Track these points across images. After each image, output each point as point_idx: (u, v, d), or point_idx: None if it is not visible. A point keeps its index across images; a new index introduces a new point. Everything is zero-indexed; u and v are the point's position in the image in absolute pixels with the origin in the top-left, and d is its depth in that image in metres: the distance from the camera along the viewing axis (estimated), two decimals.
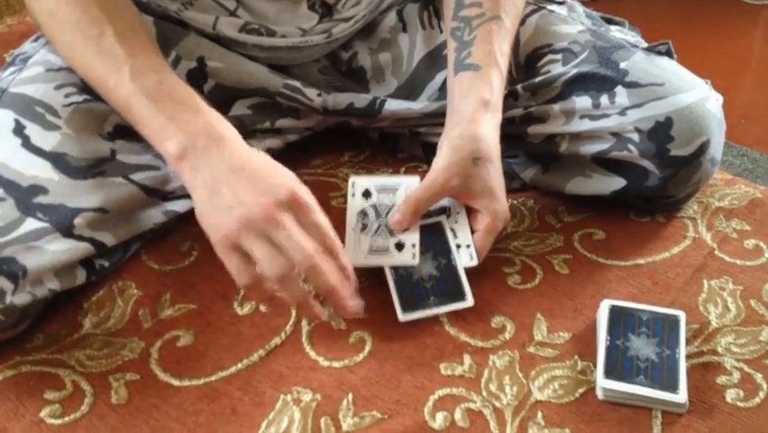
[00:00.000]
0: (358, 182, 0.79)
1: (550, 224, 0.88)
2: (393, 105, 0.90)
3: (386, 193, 0.77)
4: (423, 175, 0.76)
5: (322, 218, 0.68)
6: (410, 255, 0.74)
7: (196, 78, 0.87)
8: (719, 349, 0.73)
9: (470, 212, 0.78)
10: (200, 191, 0.69)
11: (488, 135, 0.76)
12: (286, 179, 0.68)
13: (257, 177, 0.67)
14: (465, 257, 0.75)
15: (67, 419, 0.68)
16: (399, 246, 0.75)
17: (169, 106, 0.70)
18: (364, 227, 0.77)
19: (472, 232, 0.77)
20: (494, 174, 0.76)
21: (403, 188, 0.77)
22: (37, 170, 0.73)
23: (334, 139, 0.99)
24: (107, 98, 0.74)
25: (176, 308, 0.79)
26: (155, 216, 0.82)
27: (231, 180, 0.67)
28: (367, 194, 0.78)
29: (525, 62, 0.88)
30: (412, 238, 0.75)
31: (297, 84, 0.89)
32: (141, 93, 0.70)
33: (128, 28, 0.74)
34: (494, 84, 0.78)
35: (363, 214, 0.77)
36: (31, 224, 0.71)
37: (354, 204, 0.78)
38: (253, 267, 0.67)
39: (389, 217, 0.76)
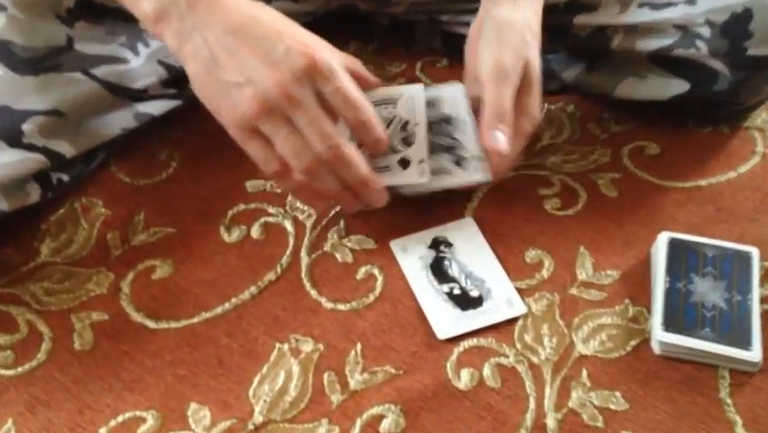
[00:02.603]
0: None
1: (594, 134, 0.75)
2: None
3: (384, 106, 0.63)
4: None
5: (349, 85, 0.56)
6: (417, 173, 0.62)
7: None
8: None
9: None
10: (193, 64, 0.56)
11: (535, 22, 0.63)
12: (300, 41, 0.55)
13: (263, 40, 0.55)
14: (476, 173, 0.62)
15: (20, 369, 0.57)
16: (404, 163, 0.62)
17: None
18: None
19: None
20: (537, 67, 0.63)
21: (405, 97, 0.63)
22: None
23: (338, 27, 0.83)
24: None
25: (151, 233, 0.66)
26: (124, 119, 0.68)
27: (231, 46, 0.55)
28: None
29: None
30: (419, 153, 0.62)
31: None
32: None
33: None
34: None
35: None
36: None
37: None
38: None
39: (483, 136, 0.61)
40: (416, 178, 0.62)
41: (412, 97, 0.63)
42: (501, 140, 0.60)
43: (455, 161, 0.63)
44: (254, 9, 0.57)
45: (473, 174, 0.63)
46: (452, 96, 0.64)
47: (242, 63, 0.55)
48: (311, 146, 0.56)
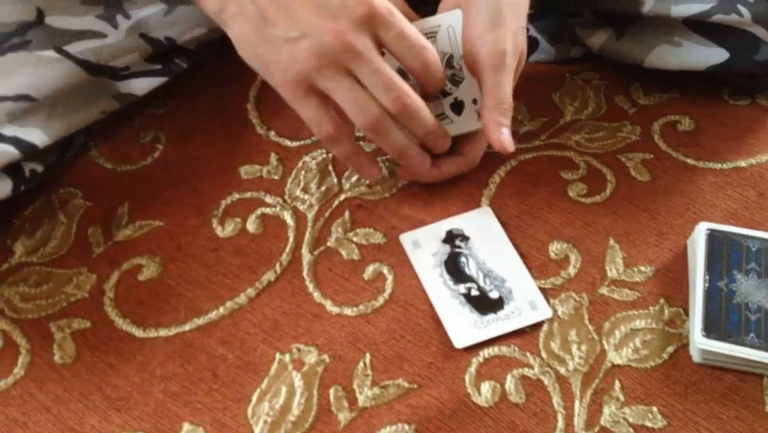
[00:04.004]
0: None
1: (621, 108, 0.68)
2: None
3: None
4: None
5: (411, 28, 0.52)
6: (475, 117, 0.56)
7: None
8: None
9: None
10: (239, 23, 0.52)
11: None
12: None
13: None
14: (474, 121, 0.57)
15: None
16: (458, 107, 0.55)
17: None
18: None
19: None
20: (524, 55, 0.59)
21: (444, 28, 0.56)
22: None
23: None
24: None
25: (136, 226, 0.60)
26: (103, 102, 0.61)
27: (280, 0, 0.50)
28: None
29: None
30: (470, 92, 0.55)
31: None
32: None
33: None
34: None
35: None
36: None
37: None
38: (335, 113, 0.54)
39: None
40: (474, 123, 0.55)
41: (452, 27, 0.56)
42: (508, 139, 0.55)
43: (454, 105, 0.56)
44: None
45: (472, 122, 0.57)
46: (450, 26, 0.56)
47: (295, 16, 0.50)
48: (376, 98, 0.52)
